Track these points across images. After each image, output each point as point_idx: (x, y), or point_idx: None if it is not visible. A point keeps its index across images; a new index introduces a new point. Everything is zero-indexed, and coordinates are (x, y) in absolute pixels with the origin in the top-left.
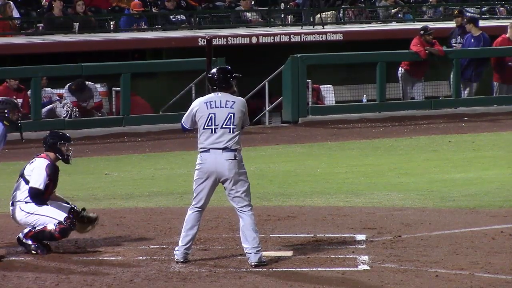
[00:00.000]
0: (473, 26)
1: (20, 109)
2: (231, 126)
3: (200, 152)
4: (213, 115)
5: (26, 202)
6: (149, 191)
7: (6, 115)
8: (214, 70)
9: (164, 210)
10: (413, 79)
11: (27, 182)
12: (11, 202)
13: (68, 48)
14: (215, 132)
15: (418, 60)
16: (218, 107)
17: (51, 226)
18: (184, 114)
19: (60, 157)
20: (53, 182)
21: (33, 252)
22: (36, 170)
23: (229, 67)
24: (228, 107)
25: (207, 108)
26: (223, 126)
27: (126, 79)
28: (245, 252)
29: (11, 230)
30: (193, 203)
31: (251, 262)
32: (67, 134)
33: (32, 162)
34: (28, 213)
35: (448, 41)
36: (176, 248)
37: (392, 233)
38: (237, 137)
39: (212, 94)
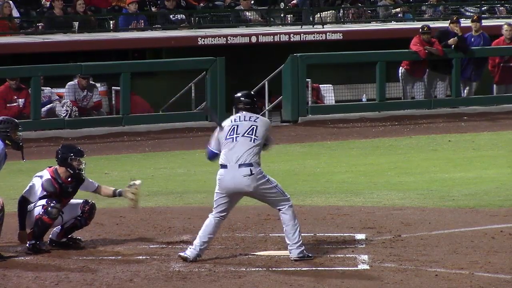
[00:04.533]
0: (479, 25)
1: (20, 129)
2: (253, 136)
3: (220, 166)
4: (236, 126)
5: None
6: (148, 191)
7: (8, 134)
8: (239, 93)
9: (164, 210)
10: (414, 79)
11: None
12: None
13: (67, 47)
14: (236, 140)
15: (418, 59)
16: (242, 120)
17: (38, 212)
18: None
19: (71, 172)
20: (60, 195)
21: (42, 248)
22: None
23: (254, 93)
24: (252, 121)
25: (231, 122)
26: (245, 134)
27: (126, 79)
28: (288, 248)
29: (11, 230)
30: (215, 211)
31: (291, 257)
32: (80, 148)
33: (41, 171)
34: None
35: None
36: (192, 247)
37: (392, 232)
38: (256, 149)
39: (238, 114)
